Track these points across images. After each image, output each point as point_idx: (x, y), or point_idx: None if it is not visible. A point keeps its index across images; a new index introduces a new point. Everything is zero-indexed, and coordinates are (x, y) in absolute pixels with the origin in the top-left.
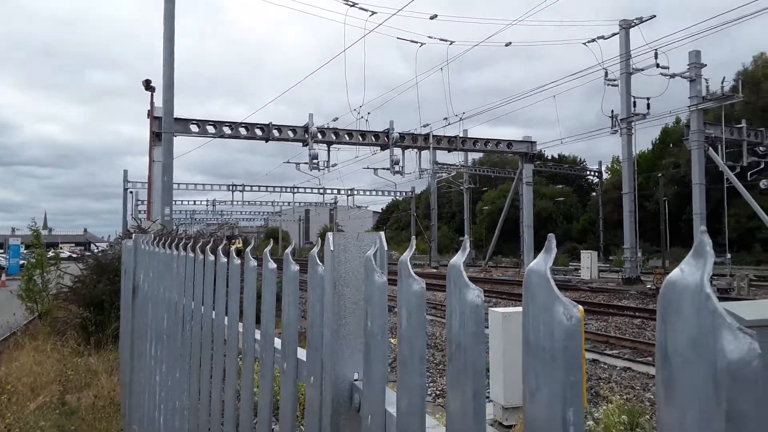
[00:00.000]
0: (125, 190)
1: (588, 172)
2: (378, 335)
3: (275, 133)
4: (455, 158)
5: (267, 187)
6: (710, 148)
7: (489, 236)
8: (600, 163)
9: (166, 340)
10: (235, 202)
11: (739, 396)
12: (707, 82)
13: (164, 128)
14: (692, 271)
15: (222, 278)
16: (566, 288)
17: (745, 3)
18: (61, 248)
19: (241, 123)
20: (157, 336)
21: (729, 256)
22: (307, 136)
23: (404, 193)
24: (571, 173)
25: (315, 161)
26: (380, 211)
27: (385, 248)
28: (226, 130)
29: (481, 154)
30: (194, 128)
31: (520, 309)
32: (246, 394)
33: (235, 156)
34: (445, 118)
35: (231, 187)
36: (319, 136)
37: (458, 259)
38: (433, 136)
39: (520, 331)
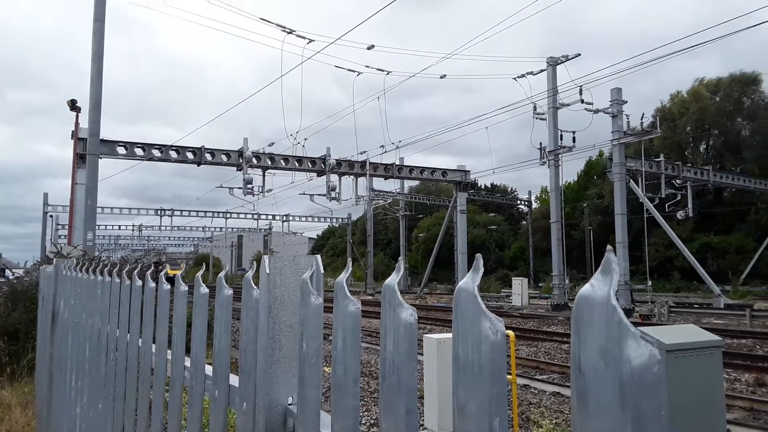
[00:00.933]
0: (45, 213)
1: (519, 202)
2: (313, 358)
3: (208, 156)
4: (392, 185)
5: (198, 212)
6: (631, 180)
7: (424, 263)
8: (530, 193)
9: (88, 369)
10: (163, 227)
11: (643, 399)
12: (628, 118)
13: (89, 150)
14: (600, 285)
15: (150, 304)
16: (498, 314)
17: (664, 44)
18: None
19: (172, 146)
20: (78, 365)
21: (650, 283)
22: (241, 160)
23: (340, 220)
24: (503, 202)
25: (249, 186)
26: (316, 237)
27: (322, 271)
28: (156, 152)
29: (417, 182)
30: (121, 150)
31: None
32: (174, 424)
33: (165, 179)
34: (382, 146)
35: (159, 211)
36: (254, 160)
37: (392, 279)
38: (370, 163)
39: None
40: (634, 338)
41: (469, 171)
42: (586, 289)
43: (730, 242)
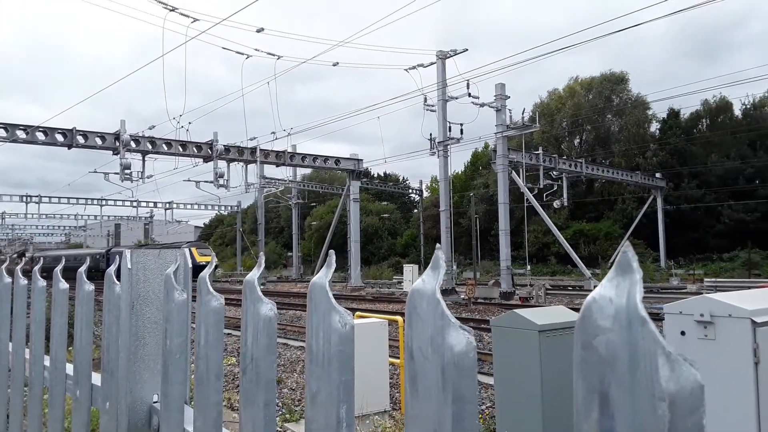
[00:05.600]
0: None
1: (410, 190)
2: (177, 354)
3: (80, 139)
4: (284, 173)
5: (69, 198)
6: (513, 172)
7: (317, 251)
8: (421, 182)
9: None
10: (29, 215)
11: (461, 382)
12: (511, 112)
13: None
14: (430, 280)
15: (5, 301)
16: (390, 300)
17: (547, 41)
18: None
19: (39, 127)
20: None
21: (529, 267)
22: (118, 144)
23: (230, 208)
24: (395, 191)
25: (127, 171)
26: (203, 225)
27: (190, 265)
28: (20, 134)
29: (310, 170)
30: None
31: None
32: (34, 426)
33: (29, 162)
34: (273, 133)
35: (25, 197)
36: (133, 144)
37: (253, 275)
38: (261, 149)
39: None
40: (455, 328)
41: (362, 160)
42: (418, 283)
43: (600, 229)
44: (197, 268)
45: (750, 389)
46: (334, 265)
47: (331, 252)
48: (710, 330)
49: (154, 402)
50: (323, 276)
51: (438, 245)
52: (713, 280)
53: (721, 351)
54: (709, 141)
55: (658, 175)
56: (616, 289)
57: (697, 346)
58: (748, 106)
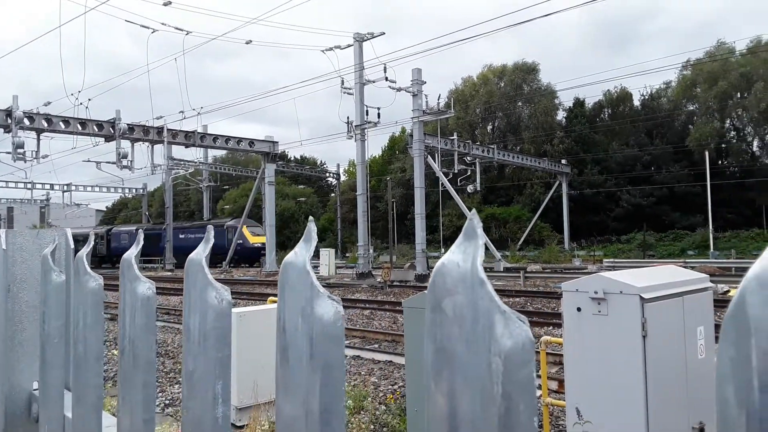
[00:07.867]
0: None
1: (328, 174)
2: (55, 338)
3: None
4: (194, 154)
5: None
6: (429, 156)
7: None
8: (338, 166)
9: None
10: None
11: (330, 350)
12: (427, 98)
13: None
14: (302, 252)
15: None
16: None
17: (462, 28)
18: None
19: None
20: None
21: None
22: (9, 121)
23: (135, 190)
24: (312, 174)
25: (20, 151)
26: (105, 209)
27: (72, 246)
28: None
29: (223, 152)
30: None
31: (256, 308)
32: None
33: None
34: (182, 111)
35: None
36: (27, 122)
37: (131, 253)
38: (168, 129)
39: (256, 331)
40: (323, 298)
41: (277, 142)
42: (290, 256)
43: (510, 213)
44: (250, 251)
45: (639, 361)
46: (212, 240)
47: (209, 227)
48: (603, 306)
49: (34, 389)
50: (200, 252)
51: (311, 218)
52: (612, 260)
53: (613, 326)
54: (610, 129)
55: (563, 161)
56: (463, 254)
57: (591, 321)
58: (646, 97)
